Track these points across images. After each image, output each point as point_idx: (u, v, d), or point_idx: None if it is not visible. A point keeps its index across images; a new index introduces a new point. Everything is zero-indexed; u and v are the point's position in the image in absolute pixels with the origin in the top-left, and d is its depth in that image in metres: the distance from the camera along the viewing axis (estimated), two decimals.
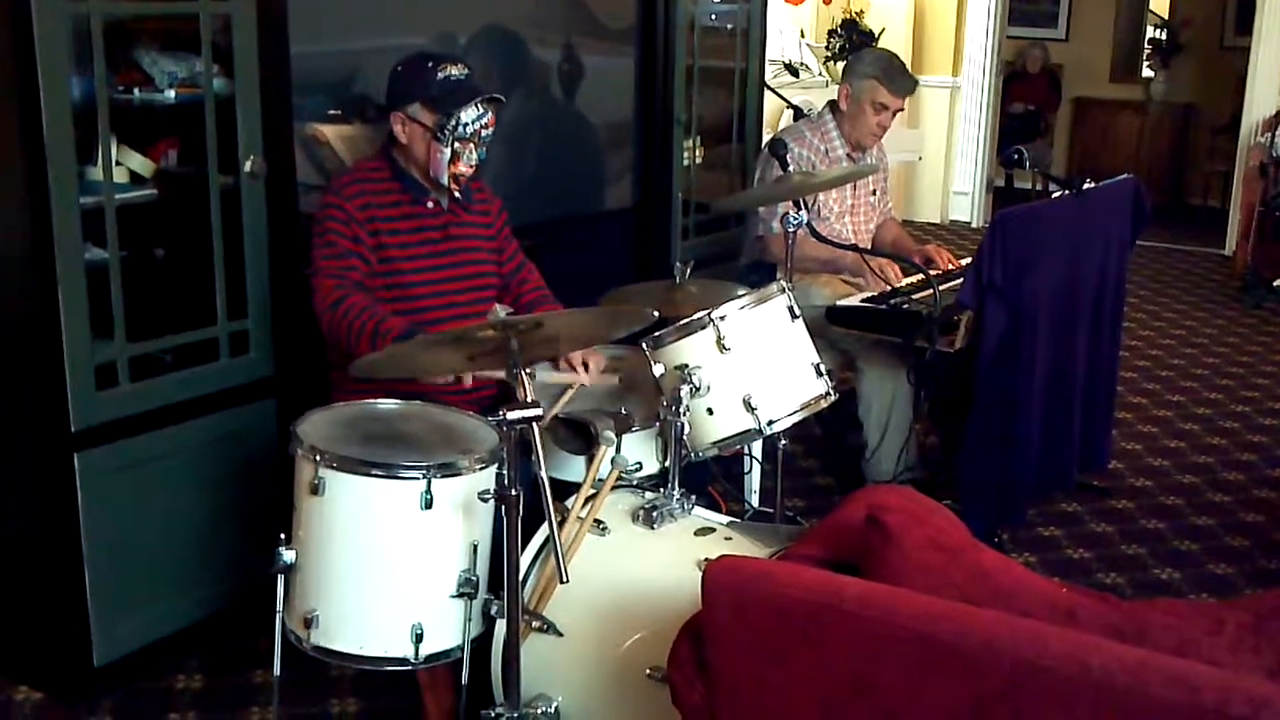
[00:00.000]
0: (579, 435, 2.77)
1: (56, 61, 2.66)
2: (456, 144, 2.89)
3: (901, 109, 4.22)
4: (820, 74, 8.48)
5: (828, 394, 2.93)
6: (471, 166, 2.95)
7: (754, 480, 3.92)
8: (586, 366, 2.97)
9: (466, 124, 2.88)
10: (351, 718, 2.99)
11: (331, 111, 3.49)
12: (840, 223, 4.22)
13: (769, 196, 3.90)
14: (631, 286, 3.60)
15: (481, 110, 2.90)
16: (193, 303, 3.10)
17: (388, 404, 2.68)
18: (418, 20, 3.60)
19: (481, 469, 2.45)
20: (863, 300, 3.90)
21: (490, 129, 2.94)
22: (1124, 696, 1.55)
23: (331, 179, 3.17)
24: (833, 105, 4.24)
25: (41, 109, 2.65)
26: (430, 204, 3.02)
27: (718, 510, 2.98)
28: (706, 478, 3.28)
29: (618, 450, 2.74)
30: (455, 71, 2.91)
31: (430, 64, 2.92)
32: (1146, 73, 11.06)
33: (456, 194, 2.99)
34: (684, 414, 2.73)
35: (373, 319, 2.77)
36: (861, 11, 8.93)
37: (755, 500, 3.90)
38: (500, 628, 2.51)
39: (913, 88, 4.23)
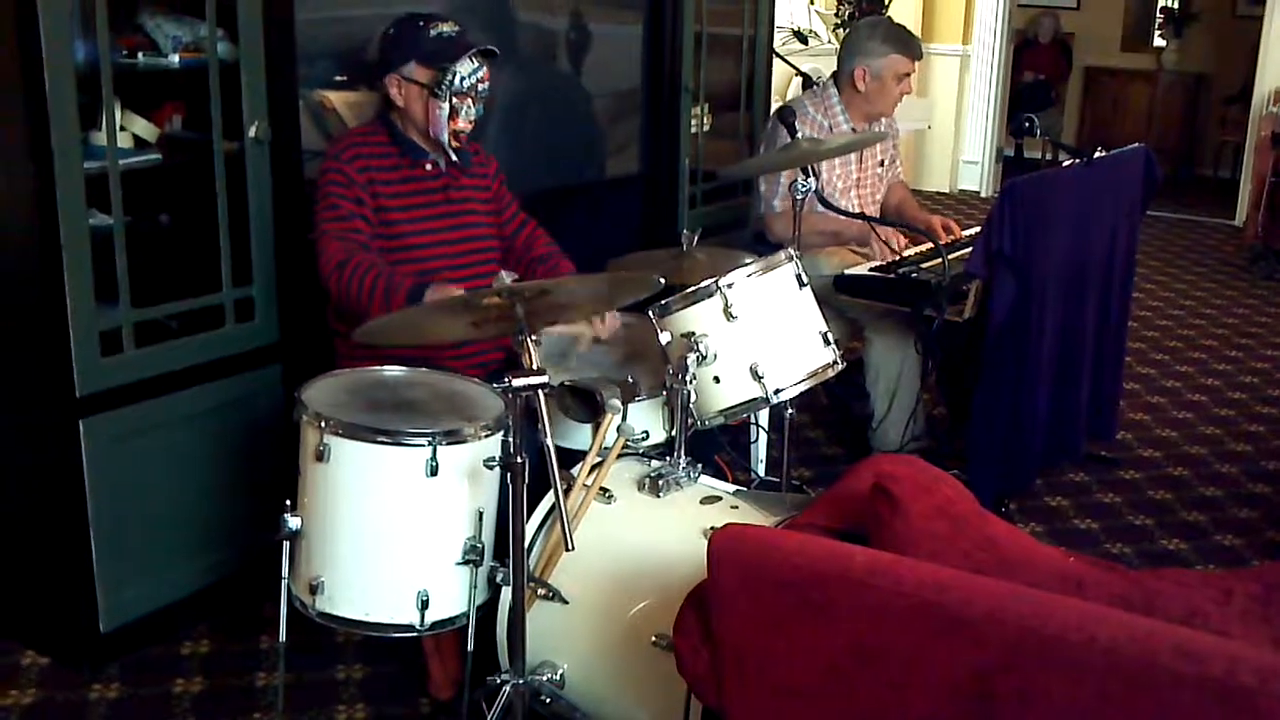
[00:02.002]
0: (585, 403, 2.76)
1: (59, 25, 2.63)
2: (454, 99, 2.88)
3: (915, 71, 4.22)
4: (829, 41, 8.42)
5: (835, 363, 2.92)
6: (471, 122, 2.94)
7: (760, 449, 3.92)
8: (603, 320, 2.95)
9: (463, 77, 2.87)
10: (357, 684, 3.00)
11: (338, 78, 3.47)
12: (845, 198, 4.17)
13: (777, 163, 3.87)
14: (638, 254, 3.58)
15: (476, 64, 2.89)
16: (197, 269, 3.08)
17: (393, 371, 2.68)
18: None
19: (487, 436, 2.44)
20: (871, 269, 3.88)
21: (486, 83, 2.93)
22: (1131, 667, 1.54)
23: (328, 146, 3.16)
24: (836, 80, 4.19)
25: (44, 73, 2.62)
26: (429, 166, 3.00)
27: (724, 479, 2.97)
28: (713, 446, 3.27)
29: (624, 418, 2.72)
30: (446, 28, 2.90)
31: (421, 23, 2.91)
32: (1158, 42, 10.98)
33: (455, 154, 2.97)
34: (690, 382, 2.72)
35: (381, 278, 2.76)
36: None
37: (761, 469, 3.90)
38: (506, 595, 2.51)
39: (922, 46, 4.24)
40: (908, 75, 4.12)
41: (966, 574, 1.74)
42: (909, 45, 4.12)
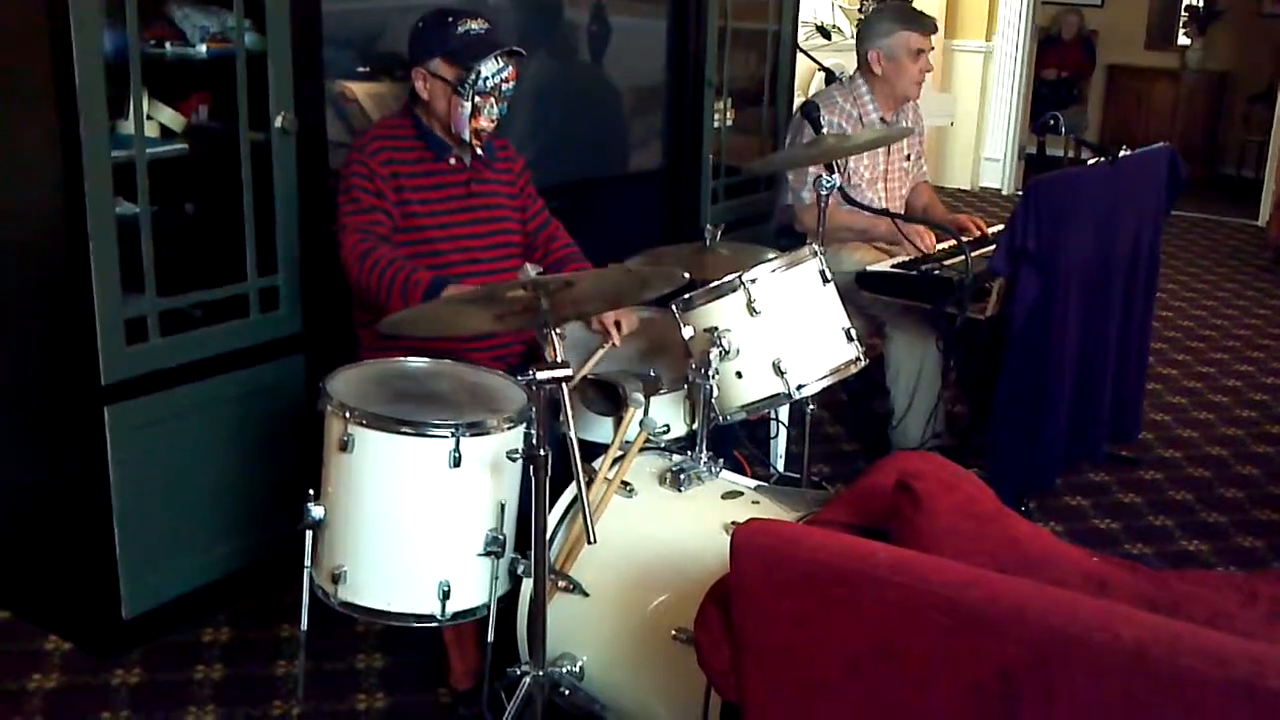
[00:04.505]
0: (607, 397, 2.77)
1: (89, 15, 2.65)
2: (477, 98, 2.88)
3: (933, 48, 4.20)
4: (852, 36, 8.39)
5: (858, 359, 2.91)
6: (493, 121, 2.94)
7: (780, 445, 3.92)
8: (619, 327, 2.96)
9: (487, 78, 2.87)
10: (377, 673, 3.01)
11: (360, 69, 3.48)
12: (872, 189, 4.17)
13: (802, 159, 3.87)
14: (661, 248, 3.59)
15: (502, 64, 2.89)
16: (223, 258, 3.10)
17: (417, 362, 2.68)
18: None
19: (510, 428, 2.45)
20: (894, 266, 3.87)
21: (511, 83, 2.93)
22: (1156, 667, 1.54)
23: (354, 137, 3.16)
24: (861, 71, 4.19)
25: (74, 63, 2.64)
26: (452, 160, 3.01)
27: (743, 474, 2.97)
28: (732, 441, 3.27)
29: (646, 412, 2.73)
30: (475, 26, 2.90)
31: (450, 19, 2.91)
32: (1182, 40, 10.92)
33: (479, 150, 2.98)
34: (713, 377, 2.72)
35: (401, 271, 2.78)
36: None
37: (780, 465, 3.90)
38: (526, 587, 2.52)
39: (935, 23, 4.23)
40: (922, 51, 4.10)
41: (991, 572, 1.74)
42: (918, 20, 4.13)
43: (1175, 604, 1.81)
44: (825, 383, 2.84)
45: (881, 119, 4.16)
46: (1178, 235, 8.23)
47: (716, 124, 4.52)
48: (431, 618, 2.45)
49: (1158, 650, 1.54)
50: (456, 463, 2.38)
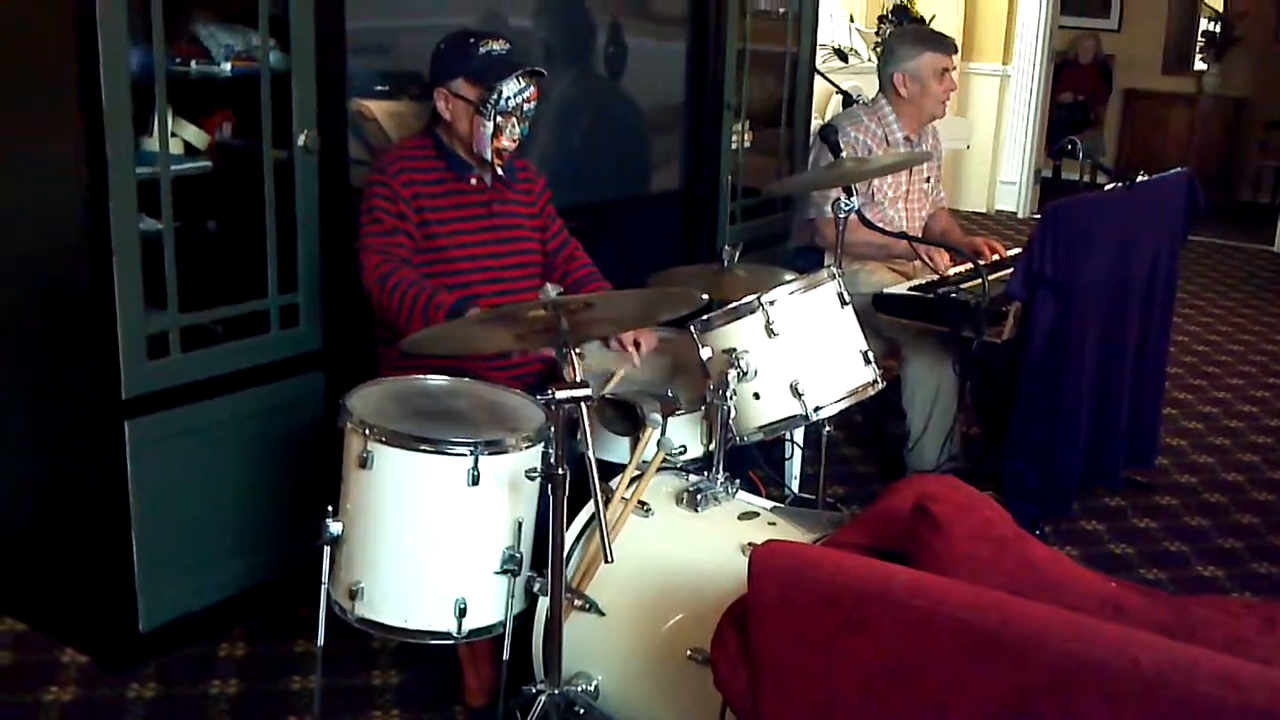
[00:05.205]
0: (625, 416, 2.78)
1: (116, 33, 2.67)
2: (499, 118, 2.90)
3: (955, 67, 4.30)
4: (869, 59, 8.42)
5: (875, 382, 2.92)
6: (515, 141, 2.96)
7: (795, 466, 3.92)
8: (638, 346, 2.97)
9: (508, 97, 2.89)
10: (393, 689, 3.02)
11: (378, 87, 3.50)
12: (894, 208, 4.20)
13: (821, 182, 3.89)
14: (679, 269, 3.60)
15: (523, 84, 2.91)
16: (244, 275, 3.12)
17: (437, 380, 2.70)
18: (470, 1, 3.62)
19: (528, 447, 2.46)
20: (910, 289, 3.88)
21: (533, 103, 2.95)
22: (1174, 693, 1.54)
23: (376, 157, 3.19)
24: (885, 93, 4.22)
25: (101, 80, 2.66)
26: (474, 180, 3.03)
27: (757, 495, 2.98)
28: (747, 462, 3.27)
29: (663, 432, 2.74)
30: (497, 46, 2.93)
31: (472, 40, 2.94)
32: (1199, 65, 10.92)
33: (500, 170, 3.00)
34: (730, 398, 2.73)
35: (422, 294, 2.79)
36: None
37: (795, 486, 3.90)
38: (542, 605, 2.53)
39: (955, 43, 4.36)
40: (947, 70, 4.17)
41: (1008, 596, 1.74)
42: (941, 42, 4.22)
43: (1192, 630, 1.81)
44: (843, 405, 2.85)
45: (906, 138, 4.19)
46: (1193, 261, 8.22)
47: (735, 145, 4.54)
48: (447, 635, 2.46)
49: (1175, 676, 1.54)
50: (475, 480, 2.39)
